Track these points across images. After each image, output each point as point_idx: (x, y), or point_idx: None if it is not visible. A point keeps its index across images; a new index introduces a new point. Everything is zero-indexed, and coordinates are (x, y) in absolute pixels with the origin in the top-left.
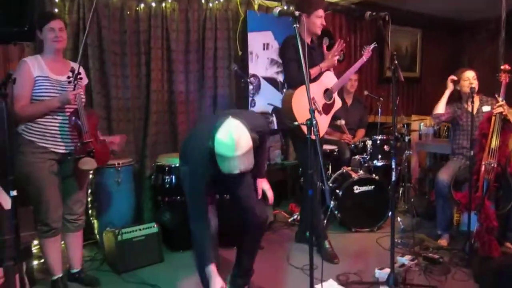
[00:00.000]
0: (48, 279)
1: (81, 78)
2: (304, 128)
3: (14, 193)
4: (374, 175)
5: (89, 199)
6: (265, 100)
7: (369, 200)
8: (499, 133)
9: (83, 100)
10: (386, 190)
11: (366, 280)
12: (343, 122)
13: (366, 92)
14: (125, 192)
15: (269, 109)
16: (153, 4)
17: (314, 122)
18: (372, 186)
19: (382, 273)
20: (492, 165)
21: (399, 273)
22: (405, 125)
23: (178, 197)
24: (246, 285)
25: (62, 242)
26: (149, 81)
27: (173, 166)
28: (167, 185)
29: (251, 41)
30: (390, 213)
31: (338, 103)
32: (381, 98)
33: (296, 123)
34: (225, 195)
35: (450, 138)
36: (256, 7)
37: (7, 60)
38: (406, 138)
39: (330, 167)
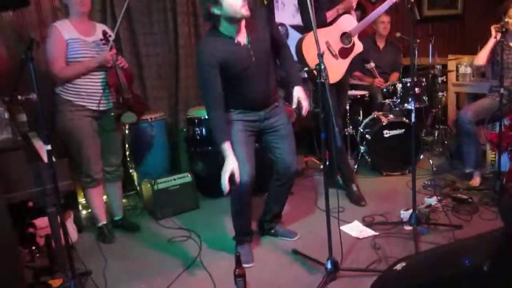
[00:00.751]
0: (95, 226)
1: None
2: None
3: (48, 147)
4: (404, 119)
5: (127, 152)
6: (294, 48)
7: (400, 144)
8: None
9: (121, 61)
10: (416, 133)
11: (391, 221)
12: (372, 65)
13: (398, 34)
14: (159, 144)
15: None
16: None
17: (322, 66)
18: (403, 130)
19: (407, 214)
20: None
21: (424, 213)
22: (438, 66)
23: (210, 147)
24: (273, 229)
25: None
26: (176, 36)
27: (202, 118)
28: (198, 137)
29: None
30: (421, 156)
31: (358, 47)
32: (417, 39)
33: (306, 68)
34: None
35: (489, 75)
36: None
37: (42, 25)
38: (440, 79)
39: (361, 112)
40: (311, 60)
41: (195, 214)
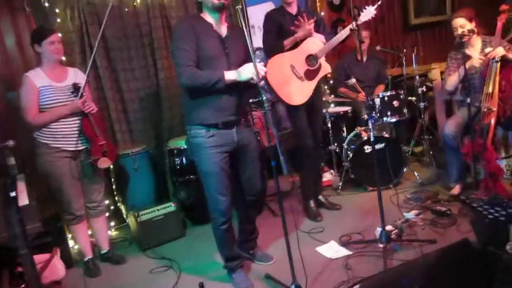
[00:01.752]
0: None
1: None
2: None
3: (13, 194)
4: (384, 133)
5: (113, 186)
6: None
7: (382, 158)
8: (494, 76)
9: (91, 106)
10: (398, 146)
11: (368, 239)
12: (353, 80)
13: (378, 47)
14: (144, 176)
15: None
16: None
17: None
18: (383, 144)
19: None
20: (492, 109)
21: (400, 228)
22: (417, 77)
23: (191, 176)
24: (253, 248)
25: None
26: (156, 70)
27: (181, 148)
28: (179, 166)
29: (252, 15)
30: (404, 169)
31: (325, 68)
32: (393, 51)
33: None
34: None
35: (459, 87)
36: None
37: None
38: (420, 90)
39: (345, 128)
40: (275, 84)
41: (181, 242)
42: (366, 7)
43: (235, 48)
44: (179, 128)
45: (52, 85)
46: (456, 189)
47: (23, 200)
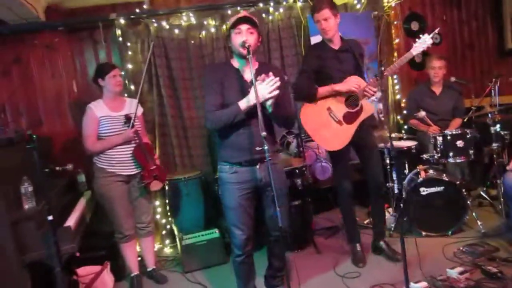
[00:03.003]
0: None
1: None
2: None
3: (50, 217)
4: (444, 175)
5: (167, 207)
6: None
7: (440, 202)
8: None
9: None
10: (459, 191)
11: None
12: (423, 114)
13: (453, 79)
14: (194, 201)
15: None
16: (212, 30)
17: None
18: (441, 187)
19: (416, 286)
20: None
21: (438, 287)
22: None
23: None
24: (279, 286)
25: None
26: None
27: None
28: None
29: None
30: (466, 217)
31: (368, 110)
32: (467, 83)
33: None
34: None
35: None
36: None
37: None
38: (493, 129)
39: (407, 165)
40: (310, 129)
41: (222, 268)
42: (421, 35)
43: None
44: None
45: (110, 115)
46: None
47: (70, 220)
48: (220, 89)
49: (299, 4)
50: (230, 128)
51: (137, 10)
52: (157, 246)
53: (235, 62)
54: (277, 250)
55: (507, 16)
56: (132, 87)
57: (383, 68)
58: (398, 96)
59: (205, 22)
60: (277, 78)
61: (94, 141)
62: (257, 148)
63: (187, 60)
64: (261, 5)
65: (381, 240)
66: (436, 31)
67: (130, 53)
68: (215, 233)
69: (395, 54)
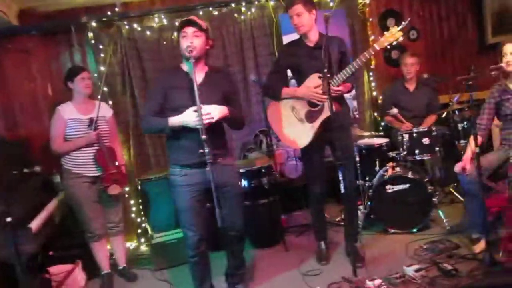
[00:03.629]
0: None
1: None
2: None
3: (9, 219)
4: (410, 173)
5: (140, 207)
6: None
7: (406, 200)
8: None
9: (105, 139)
10: (424, 188)
11: None
12: (395, 111)
13: (425, 75)
14: (165, 200)
15: None
16: None
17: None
18: (407, 185)
19: (371, 284)
20: None
21: (393, 284)
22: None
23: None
24: (239, 283)
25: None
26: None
27: None
28: None
29: None
30: (430, 214)
31: (328, 109)
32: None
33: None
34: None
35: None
36: None
37: None
38: (460, 126)
39: (377, 162)
40: (275, 127)
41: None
42: (391, 27)
43: (208, 94)
44: None
45: (78, 118)
46: (480, 245)
47: (33, 222)
48: (162, 96)
49: (271, 3)
50: (178, 132)
51: (109, 13)
52: (133, 244)
53: (184, 66)
54: (233, 248)
55: (488, 10)
56: (106, 89)
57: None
58: (374, 93)
59: (177, 23)
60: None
61: (60, 143)
62: (200, 151)
63: (159, 61)
64: (233, 5)
65: (351, 244)
66: (404, 23)
67: (102, 55)
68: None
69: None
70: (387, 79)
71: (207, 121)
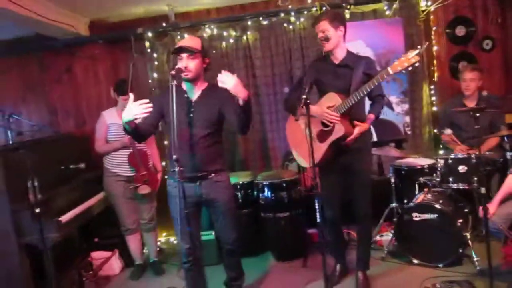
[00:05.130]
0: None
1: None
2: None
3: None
4: (439, 203)
5: None
6: None
7: (433, 231)
8: None
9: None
10: (452, 221)
11: None
12: (448, 131)
13: (484, 92)
14: None
15: None
16: (231, 40)
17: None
18: (435, 215)
19: None
20: None
21: None
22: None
23: None
24: None
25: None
26: None
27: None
28: None
29: None
30: (459, 250)
31: (337, 131)
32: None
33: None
34: None
35: None
36: (348, 16)
37: None
38: (508, 155)
39: (417, 186)
40: (291, 143)
41: (215, 269)
42: (409, 52)
43: (202, 112)
44: (245, 163)
45: (118, 123)
46: None
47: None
48: (158, 111)
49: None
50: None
51: (164, 24)
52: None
53: (183, 84)
54: (229, 261)
55: None
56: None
57: (304, 96)
58: (435, 108)
59: (225, 33)
60: (150, 105)
61: (101, 144)
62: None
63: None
64: (282, 14)
65: (360, 270)
66: (421, 48)
67: (156, 63)
68: (211, 235)
69: (435, 62)
70: (452, 93)
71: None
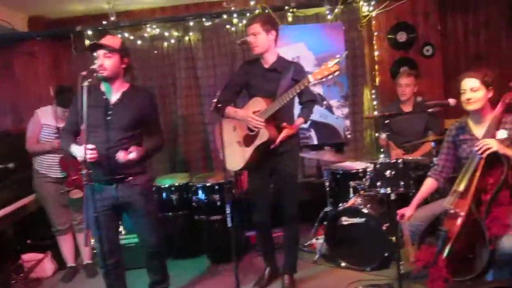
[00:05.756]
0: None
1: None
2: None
3: None
4: (366, 207)
5: None
6: None
7: (361, 235)
8: (473, 173)
9: None
10: (378, 225)
11: None
12: (383, 136)
13: (419, 98)
14: None
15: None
16: (173, 41)
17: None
18: (363, 219)
19: None
20: (454, 211)
21: None
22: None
23: (169, 213)
24: None
25: None
26: (176, 107)
27: (163, 187)
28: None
29: None
30: (385, 254)
31: (262, 136)
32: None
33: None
34: None
35: None
36: (290, 19)
37: None
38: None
39: (351, 189)
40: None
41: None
42: (329, 61)
43: (121, 115)
44: (187, 164)
45: (53, 125)
46: None
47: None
48: (76, 114)
49: None
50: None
51: (104, 22)
52: None
53: (102, 86)
54: (151, 264)
55: None
56: None
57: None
58: (375, 113)
59: (167, 33)
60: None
61: (32, 143)
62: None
63: (150, 69)
64: (225, 16)
65: (286, 273)
66: (340, 56)
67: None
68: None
69: (376, 67)
70: (393, 98)
71: (90, 156)
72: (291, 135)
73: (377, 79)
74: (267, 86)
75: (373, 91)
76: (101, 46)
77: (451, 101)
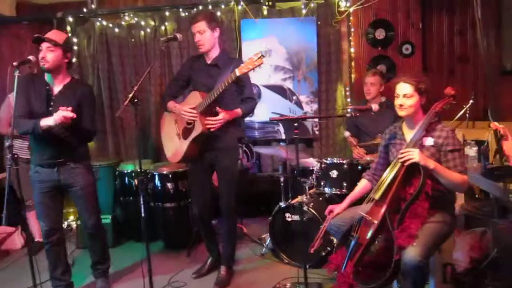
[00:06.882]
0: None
1: None
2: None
3: None
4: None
5: None
6: (269, 109)
7: (301, 232)
8: (393, 177)
9: None
10: (317, 224)
11: None
12: (347, 134)
13: (383, 99)
14: (103, 186)
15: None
16: (148, 30)
17: None
18: (305, 217)
19: None
20: (368, 219)
21: None
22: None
23: (130, 198)
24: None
25: None
26: (150, 95)
27: (125, 171)
28: (118, 186)
29: (246, 51)
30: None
31: (197, 128)
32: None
33: None
34: None
35: None
36: (265, 12)
37: None
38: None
39: (306, 187)
40: (162, 137)
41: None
42: (254, 55)
43: (61, 104)
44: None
45: None
46: None
47: None
48: (26, 99)
49: (239, 7)
50: (38, 134)
51: (85, 10)
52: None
53: (46, 76)
54: (91, 244)
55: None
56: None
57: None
58: (349, 110)
59: (143, 23)
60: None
61: (4, 125)
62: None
63: (126, 56)
64: (200, 7)
65: (222, 265)
66: (263, 51)
67: (76, 48)
68: (107, 218)
69: (353, 64)
70: None
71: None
72: (230, 130)
73: (353, 76)
74: (207, 81)
75: (347, 88)
76: (43, 39)
77: (374, 106)
